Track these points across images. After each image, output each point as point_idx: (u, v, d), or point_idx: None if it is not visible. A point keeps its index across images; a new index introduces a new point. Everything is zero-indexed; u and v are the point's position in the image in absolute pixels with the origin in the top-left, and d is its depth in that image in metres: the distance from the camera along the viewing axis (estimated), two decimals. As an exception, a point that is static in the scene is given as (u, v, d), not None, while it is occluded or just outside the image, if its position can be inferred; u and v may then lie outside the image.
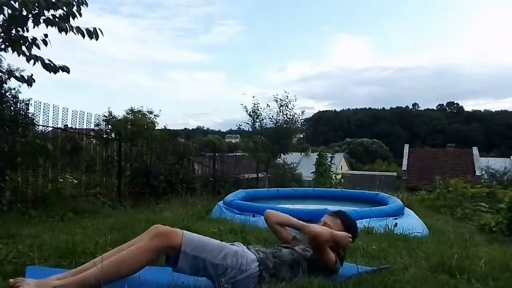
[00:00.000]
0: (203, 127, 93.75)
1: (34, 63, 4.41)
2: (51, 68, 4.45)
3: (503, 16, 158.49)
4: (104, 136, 9.12)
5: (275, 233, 2.64)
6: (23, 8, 4.10)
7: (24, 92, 8.08)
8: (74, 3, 4.33)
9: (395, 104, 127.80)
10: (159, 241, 1.91)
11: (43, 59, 4.42)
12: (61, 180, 6.48)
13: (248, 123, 15.09)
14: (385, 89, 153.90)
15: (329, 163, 15.33)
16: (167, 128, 16.07)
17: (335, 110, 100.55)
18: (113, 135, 9.71)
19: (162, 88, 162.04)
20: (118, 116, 14.58)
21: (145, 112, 15.78)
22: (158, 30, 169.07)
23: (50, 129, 6.39)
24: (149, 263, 1.94)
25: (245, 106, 14.79)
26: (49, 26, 4.31)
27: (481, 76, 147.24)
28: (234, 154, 18.06)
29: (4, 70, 5.38)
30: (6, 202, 5.01)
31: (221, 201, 6.26)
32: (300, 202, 7.74)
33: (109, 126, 12.13)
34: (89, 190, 7.10)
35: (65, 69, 4.56)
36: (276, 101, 14.59)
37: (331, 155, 16.10)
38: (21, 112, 6.02)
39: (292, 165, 17.78)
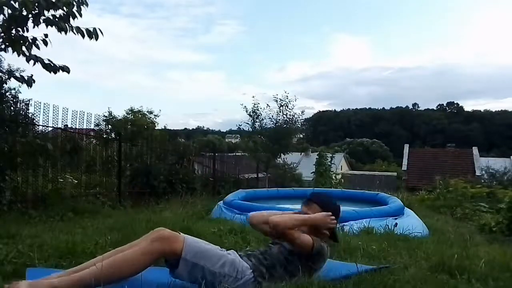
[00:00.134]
0: (203, 127, 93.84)
1: (34, 63, 4.41)
2: (51, 68, 4.45)
3: (503, 16, 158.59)
4: (104, 136, 9.12)
5: (264, 233, 2.62)
6: (23, 8, 4.10)
7: (24, 92, 8.08)
8: (74, 3, 4.33)
9: (395, 104, 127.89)
10: (160, 246, 1.92)
11: (43, 59, 4.42)
12: (61, 180, 6.47)
13: (248, 123, 15.09)
14: (385, 89, 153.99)
15: (329, 163, 15.32)
16: (167, 128, 16.08)
17: (335, 110, 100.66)
18: (113, 135, 9.71)
19: (162, 88, 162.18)
20: (118, 116, 14.58)
21: (145, 112, 15.77)
22: (158, 30, 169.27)
23: (50, 129, 6.39)
24: (149, 265, 1.94)
25: (245, 106, 14.80)
26: (49, 26, 4.31)
27: (481, 76, 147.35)
28: (234, 154, 18.06)
29: (4, 70, 5.39)
30: (6, 202, 5.01)
31: (221, 201, 6.26)
32: (300, 202, 7.73)
33: (109, 126, 12.12)
34: (89, 190, 7.10)
35: (65, 69, 4.56)
36: (276, 101, 14.60)
37: (331, 155, 16.09)
38: (21, 112, 6.02)
39: (292, 165, 17.77)
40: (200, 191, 8.74)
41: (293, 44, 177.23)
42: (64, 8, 4.29)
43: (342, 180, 17.10)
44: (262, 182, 14.18)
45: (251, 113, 14.77)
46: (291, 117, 14.82)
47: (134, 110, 15.73)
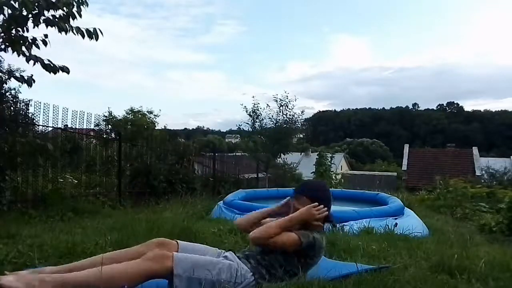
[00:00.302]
0: (203, 127, 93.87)
1: (34, 63, 4.41)
2: (50, 68, 4.44)
3: (503, 16, 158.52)
4: (104, 136, 9.12)
5: None
6: (23, 8, 4.10)
7: (24, 92, 8.11)
8: (74, 4, 4.33)
9: (395, 104, 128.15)
10: (152, 266, 1.89)
11: (43, 59, 4.42)
12: (61, 180, 6.47)
13: (248, 123, 15.08)
14: (385, 89, 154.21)
15: (329, 163, 15.29)
16: (167, 128, 16.02)
17: (335, 110, 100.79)
18: (113, 135, 9.71)
19: (162, 88, 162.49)
20: (118, 116, 14.59)
21: (145, 112, 15.79)
22: (158, 30, 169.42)
23: (50, 129, 6.39)
24: (143, 281, 1.91)
25: (245, 106, 14.78)
26: (49, 26, 4.31)
27: (481, 76, 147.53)
28: (234, 154, 18.05)
29: (4, 70, 5.39)
30: (6, 202, 5.01)
31: (221, 201, 6.26)
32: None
33: (109, 126, 12.13)
34: (89, 190, 7.10)
35: (65, 69, 4.55)
36: (276, 101, 14.58)
37: (331, 155, 16.06)
38: (21, 112, 6.03)
39: (292, 165, 17.77)
40: (200, 191, 8.73)
41: (293, 44, 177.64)
42: (64, 9, 4.28)
43: (342, 180, 17.07)
44: (262, 182, 14.18)
45: (251, 113, 14.77)
46: (291, 117, 14.81)
47: (134, 110, 15.75)
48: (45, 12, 4.26)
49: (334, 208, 5.59)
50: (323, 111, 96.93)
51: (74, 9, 4.35)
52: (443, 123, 78.24)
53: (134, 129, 12.16)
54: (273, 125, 14.79)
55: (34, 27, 4.30)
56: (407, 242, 3.71)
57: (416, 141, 62.10)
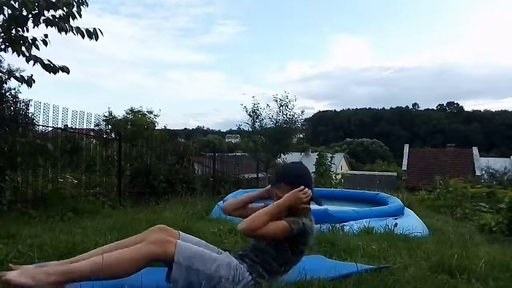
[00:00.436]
0: (203, 127, 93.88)
1: (34, 64, 4.41)
2: (50, 68, 4.45)
3: (503, 16, 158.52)
4: (104, 136, 9.12)
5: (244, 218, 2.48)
6: (23, 8, 4.10)
7: (24, 92, 8.12)
8: (74, 4, 4.33)
9: (395, 104, 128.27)
10: (154, 249, 1.90)
11: (43, 59, 4.42)
12: (61, 180, 6.47)
13: (248, 123, 15.11)
14: (385, 89, 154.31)
15: (329, 163, 15.29)
16: (167, 128, 16.03)
17: (335, 110, 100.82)
18: (113, 135, 9.71)
19: (162, 88, 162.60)
20: (118, 116, 14.61)
21: (145, 112, 15.80)
22: (158, 30, 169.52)
23: (50, 129, 6.39)
24: (143, 268, 1.93)
25: (245, 106, 14.81)
26: (49, 26, 4.31)
27: (481, 76, 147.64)
28: (234, 154, 18.05)
29: (4, 70, 5.39)
30: (6, 202, 5.00)
31: (221, 201, 6.26)
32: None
33: (109, 126, 12.13)
34: (89, 190, 7.10)
35: (65, 70, 4.55)
36: (276, 101, 14.61)
37: (331, 155, 16.06)
38: (21, 112, 6.03)
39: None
40: (200, 191, 8.73)
41: (293, 44, 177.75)
42: (64, 9, 4.28)
43: (342, 180, 17.07)
44: (262, 182, 14.17)
45: (251, 113, 14.79)
46: (291, 117, 14.83)
47: (134, 110, 15.76)
48: (45, 12, 4.26)
49: (334, 208, 5.62)
50: (323, 111, 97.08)
51: (74, 9, 4.35)
52: (443, 123, 78.26)
53: (134, 129, 12.17)
54: (273, 125, 14.81)
55: (34, 27, 4.30)
56: (407, 242, 3.72)
57: (416, 141, 62.11)
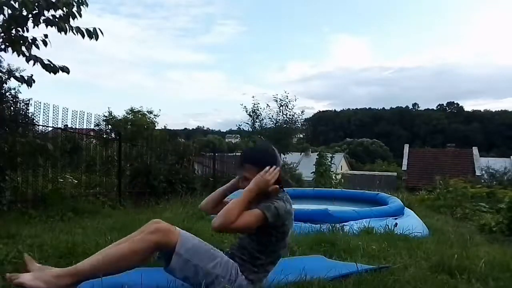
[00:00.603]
0: (203, 127, 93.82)
1: (34, 63, 4.41)
2: (50, 68, 4.45)
3: (503, 16, 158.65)
4: (104, 136, 9.12)
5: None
6: (23, 8, 4.11)
7: (24, 92, 8.11)
8: (74, 4, 4.33)
9: (395, 104, 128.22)
10: (156, 237, 1.90)
11: (43, 59, 4.42)
12: (61, 180, 6.47)
13: (248, 123, 15.14)
14: (385, 89, 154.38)
15: (329, 163, 15.30)
16: (167, 128, 16.02)
17: (335, 110, 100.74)
18: (113, 135, 9.71)
19: (162, 88, 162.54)
20: (118, 116, 14.58)
21: (145, 112, 15.78)
22: (158, 30, 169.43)
23: (50, 129, 6.39)
24: (147, 258, 1.95)
25: (245, 106, 14.85)
26: (49, 26, 4.31)
27: (481, 76, 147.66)
28: (234, 154, 18.05)
29: (4, 70, 5.39)
30: (6, 202, 5.01)
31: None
32: (300, 202, 7.74)
33: (109, 126, 12.12)
34: (89, 190, 7.10)
35: (65, 70, 4.56)
36: (276, 101, 14.65)
37: (331, 155, 16.07)
38: (21, 112, 6.03)
39: (292, 165, 17.77)
40: (200, 191, 8.72)
41: (293, 44, 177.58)
42: (64, 9, 4.29)
43: (342, 180, 17.07)
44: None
45: (251, 113, 14.83)
46: (291, 117, 14.87)
47: (134, 110, 15.74)
48: (45, 12, 4.27)
49: (334, 208, 5.61)
50: (323, 111, 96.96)
51: (74, 9, 4.36)
52: (443, 123, 78.25)
53: (134, 129, 12.15)
54: (273, 125, 14.84)
55: (34, 27, 4.31)
56: (407, 242, 3.71)
57: (416, 141, 62.10)
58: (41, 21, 4.29)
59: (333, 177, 15.47)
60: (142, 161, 8.78)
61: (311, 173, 15.45)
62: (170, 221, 2.26)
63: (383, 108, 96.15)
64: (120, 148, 7.78)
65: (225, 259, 2.04)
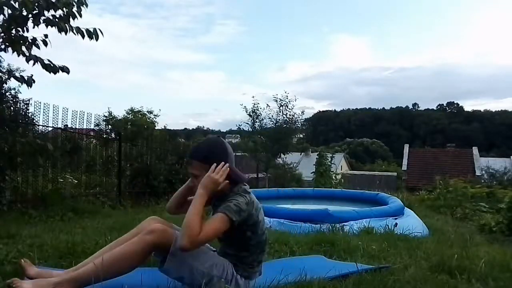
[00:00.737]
0: (203, 127, 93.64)
1: (34, 63, 4.41)
2: (50, 68, 4.45)
3: (503, 16, 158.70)
4: (104, 136, 9.12)
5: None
6: (23, 8, 4.10)
7: (24, 92, 8.09)
8: (74, 4, 4.33)
9: (395, 104, 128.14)
10: (153, 237, 1.89)
11: (43, 59, 4.42)
12: (61, 180, 6.48)
13: (248, 123, 15.15)
14: (385, 89, 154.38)
15: (329, 163, 15.33)
16: (167, 128, 16.00)
17: (335, 110, 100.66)
18: (113, 135, 9.70)
19: (162, 88, 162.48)
20: (118, 116, 14.54)
21: (145, 112, 15.76)
22: (158, 30, 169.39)
23: (50, 129, 6.40)
24: (144, 259, 1.94)
25: (245, 106, 14.85)
26: (49, 26, 4.31)
27: (481, 76, 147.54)
28: (234, 154, 18.05)
29: (4, 70, 5.39)
30: (6, 202, 5.01)
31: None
32: (300, 202, 7.75)
33: (109, 126, 12.11)
34: (89, 190, 7.10)
35: (65, 70, 4.56)
36: (276, 101, 14.66)
37: (331, 155, 16.10)
38: (21, 112, 6.03)
39: (292, 165, 17.78)
40: (200, 191, 8.72)
41: (293, 44, 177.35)
42: (64, 9, 4.29)
43: (342, 180, 17.09)
44: (262, 182, 14.20)
45: (251, 113, 14.83)
46: (291, 117, 14.87)
47: (134, 110, 15.72)
48: (45, 12, 4.26)
49: (334, 208, 5.61)
50: (323, 111, 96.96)
51: (74, 9, 4.36)
52: (443, 123, 78.23)
53: (134, 129, 12.11)
54: (273, 125, 14.85)
55: (34, 27, 4.31)
56: (407, 242, 3.71)
57: (416, 141, 62.08)
58: (41, 21, 4.29)
59: (333, 177, 15.50)
60: (142, 161, 8.79)
61: (311, 173, 15.47)
62: (170, 221, 2.26)
63: (383, 108, 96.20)
64: (120, 148, 7.79)
65: (221, 259, 2.03)
